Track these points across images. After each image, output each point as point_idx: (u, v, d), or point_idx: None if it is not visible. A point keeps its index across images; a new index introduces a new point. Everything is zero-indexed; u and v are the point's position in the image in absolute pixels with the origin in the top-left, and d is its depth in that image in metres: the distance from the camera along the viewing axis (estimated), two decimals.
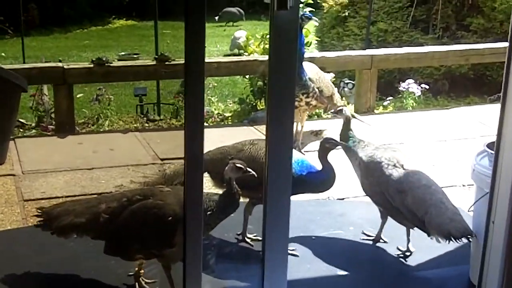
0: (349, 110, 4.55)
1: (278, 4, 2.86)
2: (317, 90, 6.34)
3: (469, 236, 3.97)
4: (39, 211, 3.95)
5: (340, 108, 4.70)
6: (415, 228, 4.64)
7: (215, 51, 13.91)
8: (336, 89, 7.03)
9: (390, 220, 4.54)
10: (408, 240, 4.47)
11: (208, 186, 5.18)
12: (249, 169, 3.90)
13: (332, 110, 4.72)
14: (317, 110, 7.41)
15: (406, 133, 7.12)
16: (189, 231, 3.05)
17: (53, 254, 4.19)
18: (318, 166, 4.39)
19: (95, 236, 3.82)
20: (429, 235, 4.17)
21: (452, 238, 4.01)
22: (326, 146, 4.40)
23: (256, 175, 3.86)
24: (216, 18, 16.82)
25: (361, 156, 4.48)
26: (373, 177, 4.40)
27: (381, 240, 4.61)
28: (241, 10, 17.72)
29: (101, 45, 14.54)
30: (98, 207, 3.81)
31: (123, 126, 7.96)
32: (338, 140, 4.50)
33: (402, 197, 4.24)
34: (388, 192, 4.32)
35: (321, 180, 4.36)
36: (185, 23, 2.79)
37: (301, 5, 8.14)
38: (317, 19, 6.63)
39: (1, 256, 4.31)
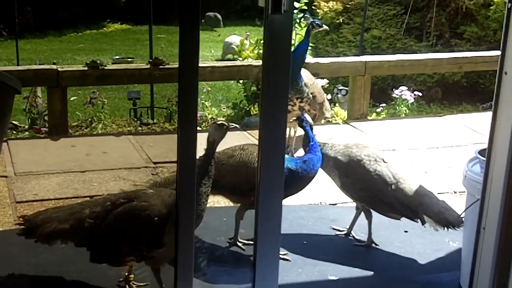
0: (309, 117, 4.64)
1: (272, 7, 2.87)
2: (310, 95, 6.36)
3: (462, 225, 4.18)
4: (21, 219, 3.93)
5: (299, 116, 4.74)
6: (405, 234, 4.69)
7: (209, 56, 13.93)
8: (326, 96, 7.06)
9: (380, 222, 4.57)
10: (370, 233, 4.65)
11: None
12: (232, 124, 3.96)
13: (293, 118, 4.78)
14: None
15: (399, 140, 7.13)
16: (181, 234, 3.05)
17: (44, 256, 4.18)
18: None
19: (79, 243, 3.80)
20: (423, 224, 4.33)
21: (451, 226, 4.22)
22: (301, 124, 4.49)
23: (238, 127, 4.12)
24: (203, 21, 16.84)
25: (334, 156, 4.55)
26: (356, 174, 4.49)
27: (373, 245, 4.64)
28: (218, 15, 17.62)
29: (96, 49, 14.53)
30: (81, 213, 3.79)
31: (117, 130, 7.97)
32: (302, 146, 4.55)
33: (392, 190, 4.38)
34: (376, 187, 4.42)
35: (312, 164, 4.38)
36: (180, 27, 2.81)
37: (295, 11, 8.17)
38: (327, 26, 6.69)
39: None
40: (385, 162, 4.48)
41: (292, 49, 6.66)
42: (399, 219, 4.56)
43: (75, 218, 3.77)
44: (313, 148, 4.42)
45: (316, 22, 6.48)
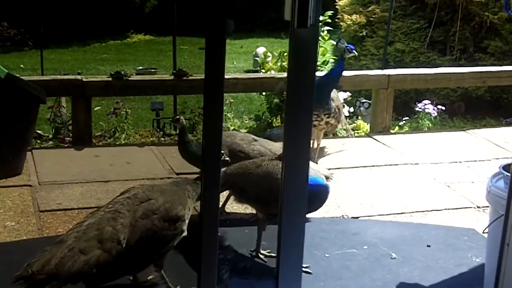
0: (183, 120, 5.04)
1: (298, 22, 2.89)
2: (337, 109, 6.44)
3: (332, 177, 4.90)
4: (22, 281, 3.48)
5: (177, 117, 5.04)
6: (427, 248, 4.69)
7: (232, 67, 13.96)
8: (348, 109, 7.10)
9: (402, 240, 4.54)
10: None
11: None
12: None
13: (170, 119, 5.05)
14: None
15: (422, 154, 7.10)
16: (204, 246, 3.06)
17: None
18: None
19: (117, 264, 3.57)
20: None
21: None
22: None
23: (229, 160, 4.59)
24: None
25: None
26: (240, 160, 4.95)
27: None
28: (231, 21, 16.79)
29: (119, 59, 14.64)
30: (110, 236, 3.58)
31: (140, 140, 8.00)
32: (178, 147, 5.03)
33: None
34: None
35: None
36: (206, 40, 2.82)
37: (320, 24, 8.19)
38: (356, 52, 6.79)
39: (16, 266, 4.33)
40: (256, 141, 5.22)
41: (328, 71, 6.85)
42: None
43: (104, 239, 3.55)
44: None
45: (349, 47, 6.60)
